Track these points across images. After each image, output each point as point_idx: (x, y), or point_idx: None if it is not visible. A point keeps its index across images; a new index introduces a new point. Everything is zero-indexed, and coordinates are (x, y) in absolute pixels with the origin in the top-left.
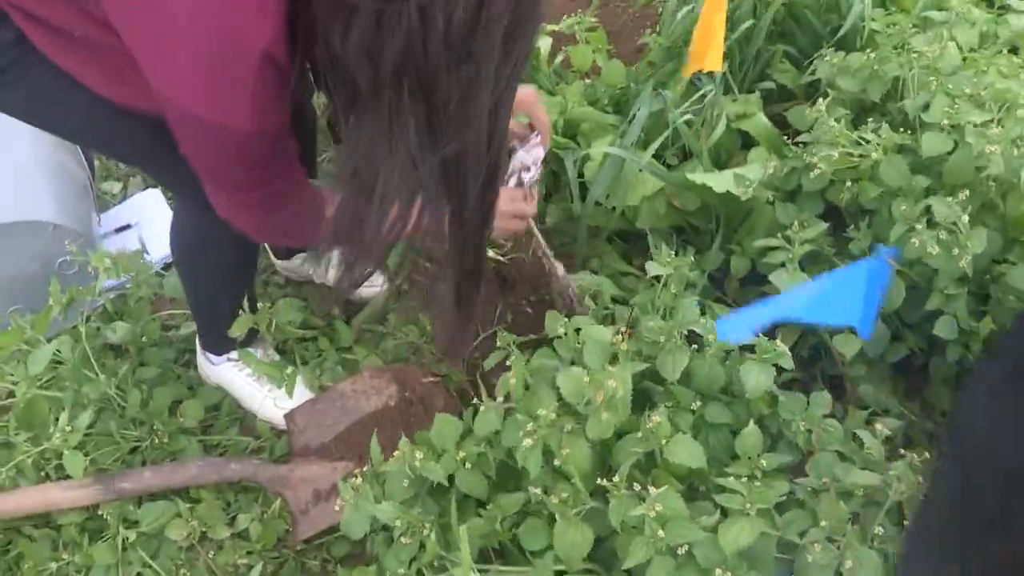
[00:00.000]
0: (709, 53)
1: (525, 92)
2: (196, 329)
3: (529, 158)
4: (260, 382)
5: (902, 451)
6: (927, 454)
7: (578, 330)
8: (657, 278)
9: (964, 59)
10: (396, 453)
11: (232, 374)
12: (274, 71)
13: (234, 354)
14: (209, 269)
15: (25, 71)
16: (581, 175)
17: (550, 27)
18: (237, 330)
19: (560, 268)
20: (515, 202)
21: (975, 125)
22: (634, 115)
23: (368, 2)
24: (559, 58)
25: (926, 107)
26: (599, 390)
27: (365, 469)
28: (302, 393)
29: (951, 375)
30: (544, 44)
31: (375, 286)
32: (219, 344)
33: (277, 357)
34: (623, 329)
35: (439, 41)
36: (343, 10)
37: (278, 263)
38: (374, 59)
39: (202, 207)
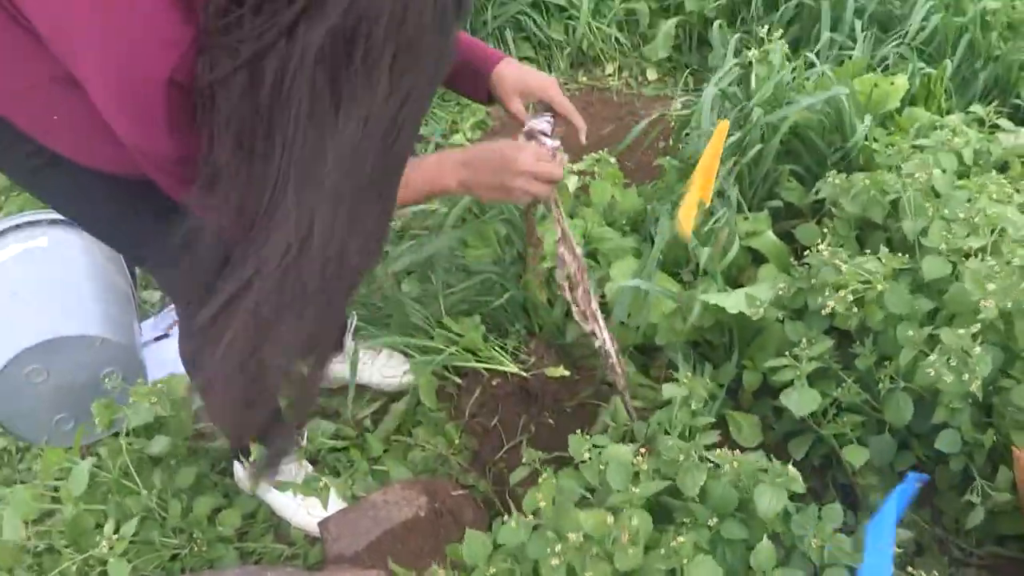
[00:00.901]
0: (705, 184)
1: (539, 79)
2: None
3: (540, 124)
4: (291, 494)
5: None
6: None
7: (600, 449)
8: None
9: (959, 182)
10: (427, 572)
11: (268, 490)
12: (183, 96)
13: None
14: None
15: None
16: (603, 294)
17: (577, 166)
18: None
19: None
20: (541, 162)
21: (972, 253)
22: (652, 239)
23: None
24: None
25: (924, 231)
26: (624, 529)
27: None
28: (334, 502)
29: (958, 483)
30: (571, 182)
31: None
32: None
33: (310, 467)
34: (642, 448)
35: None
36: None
37: None
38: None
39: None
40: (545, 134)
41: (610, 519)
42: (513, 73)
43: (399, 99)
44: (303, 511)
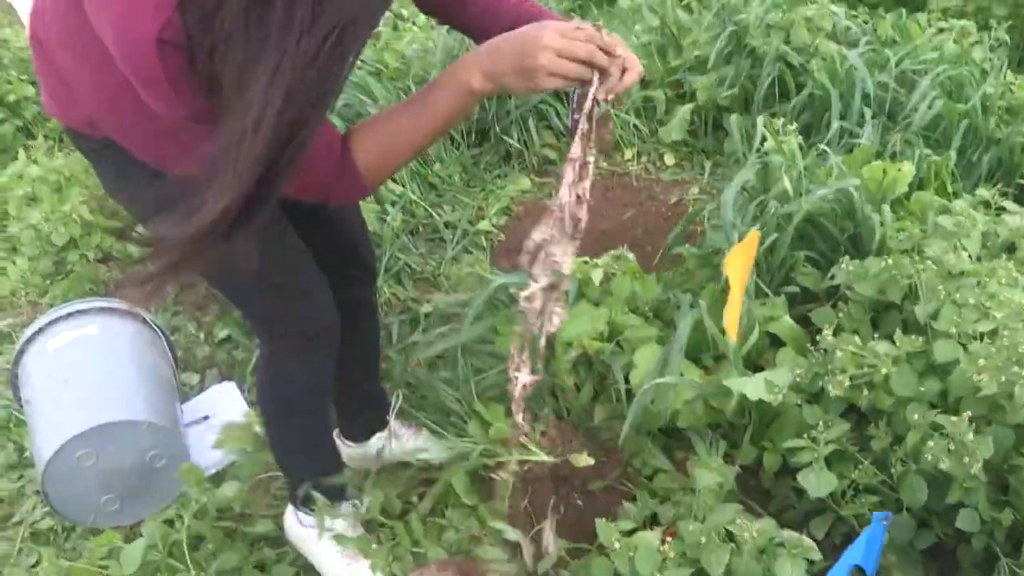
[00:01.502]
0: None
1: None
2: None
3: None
4: (341, 554)
5: None
6: None
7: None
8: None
9: (968, 267)
10: None
11: (318, 541)
12: (176, 53)
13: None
14: (285, 407)
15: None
16: (627, 379)
17: (596, 260)
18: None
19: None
20: (567, 38)
21: (980, 337)
22: (675, 325)
23: None
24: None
25: (935, 314)
26: None
27: None
28: None
29: (980, 560)
30: (596, 275)
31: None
32: (307, 500)
33: (361, 529)
34: (667, 531)
35: None
36: None
37: (347, 451)
38: None
39: (267, 337)
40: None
41: None
42: (564, 24)
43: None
44: (347, 574)
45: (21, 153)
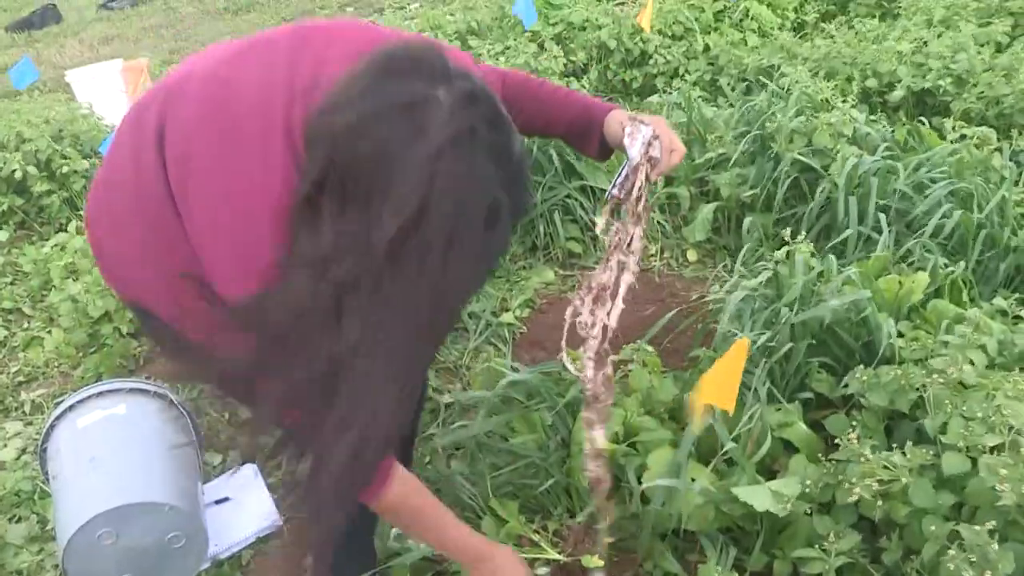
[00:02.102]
0: (725, 393)
1: (648, 116)
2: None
3: (646, 131)
4: None
5: None
6: None
7: None
8: None
9: (981, 380)
10: None
11: None
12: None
13: None
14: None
15: None
16: (640, 480)
17: (615, 357)
18: None
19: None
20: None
21: (988, 450)
22: (685, 431)
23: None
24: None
25: (943, 427)
26: None
27: None
28: None
29: None
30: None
31: None
32: None
33: None
34: None
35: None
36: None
37: None
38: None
39: None
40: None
41: None
42: (623, 112)
43: (450, 281)
44: None
45: (72, 226)
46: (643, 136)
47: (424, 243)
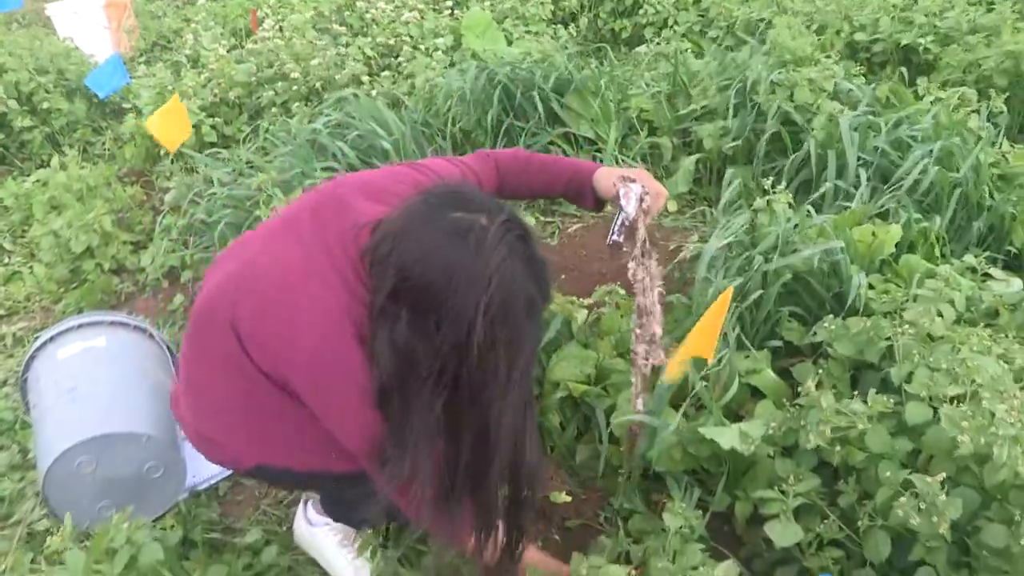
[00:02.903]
0: (706, 342)
1: (632, 170)
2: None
3: (638, 188)
4: (346, 552)
5: None
6: None
7: (597, 568)
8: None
9: (948, 333)
10: None
11: (326, 537)
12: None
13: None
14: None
15: None
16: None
17: (587, 300)
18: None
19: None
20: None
21: (950, 400)
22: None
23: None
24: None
25: (909, 377)
26: None
27: None
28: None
29: None
30: (580, 315)
31: None
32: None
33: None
34: (633, 569)
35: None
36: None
37: None
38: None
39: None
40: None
41: None
42: (609, 169)
43: (517, 370)
44: (352, 570)
45: (54, 160)
46: (635, 193)
47: (494, 336)
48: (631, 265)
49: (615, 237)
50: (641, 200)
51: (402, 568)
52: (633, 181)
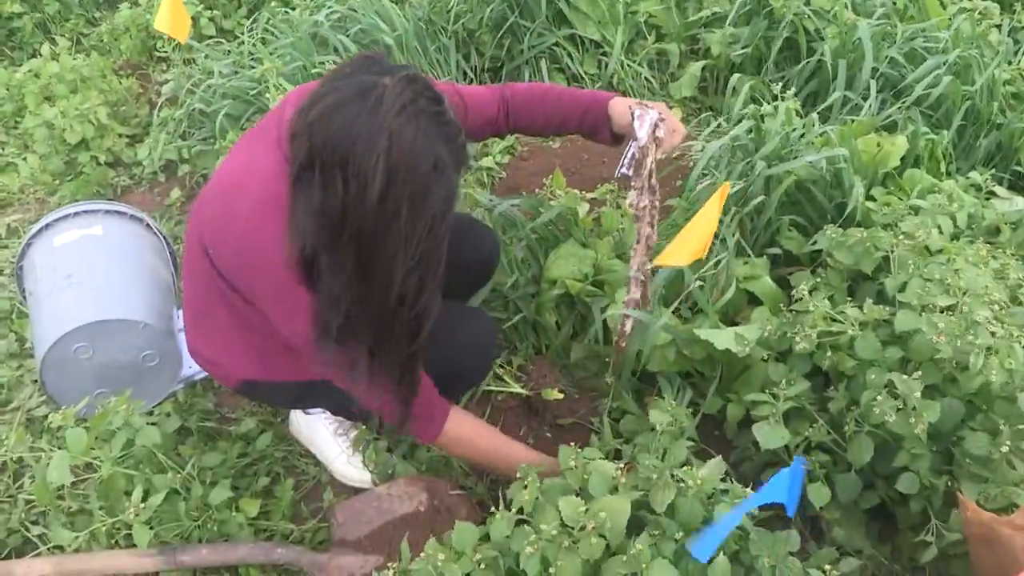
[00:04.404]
0: (701, 241)
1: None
2: None
3: (653, 114)
4: (340, 440)
5: None
6: None
7: (587, 461)
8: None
9: (945, 245)
10: (422, 554)
11: (321, 426)
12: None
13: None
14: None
15: None
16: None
17: (588, 194)
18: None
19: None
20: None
21: (939, 310)
22: (656, 272)
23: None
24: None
25: (903, 287)
26: (592, 519)
27: (394, 565)
28: (362, 471)
29: (916, 524)
30: (582, 209)
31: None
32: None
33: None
34: (623, 464)
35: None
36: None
37: None
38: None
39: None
40: (648, 115)
41: (582, 508)
42: (623, 99)
43: (423, 225)
44: (344, 457)
45: (45, 48)
46: (650, 119)
47: (395, 188)
48: (631, 195)
49: (624, 170)
50: (655, 127)
51: (394, 458)
52: (652, 108)
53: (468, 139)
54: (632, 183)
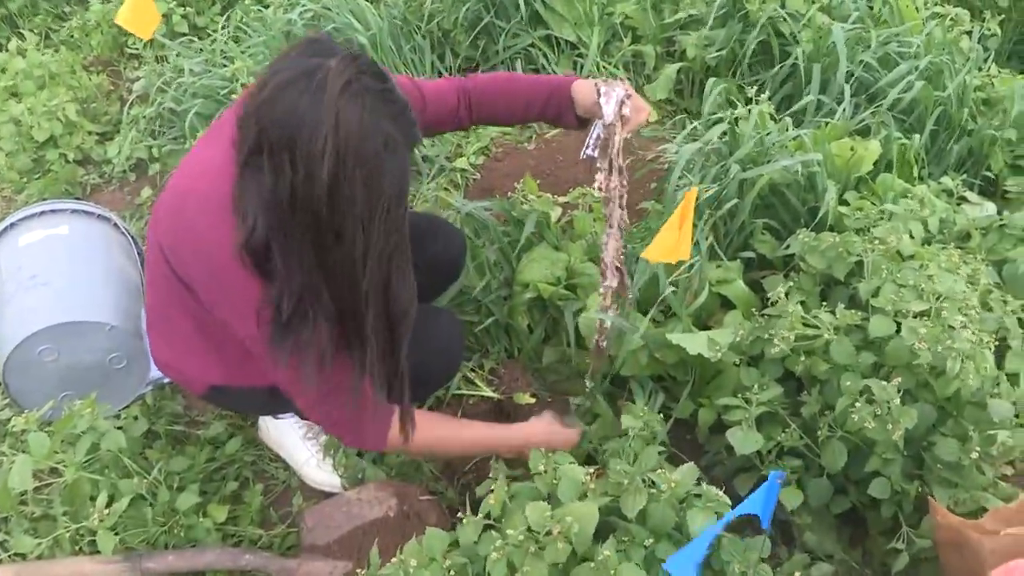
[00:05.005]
0: (680, 244)
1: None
2: None
3: (619, 90)
4: (309, 444)
5: None
6: None
7: (557, 465)
8: None
9: (918, 251)
10: (393, 560)
11: (290, 430)
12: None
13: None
14: None
15: None
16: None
17: (561, 198)
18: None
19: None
20: (565, 435)
21: (913, 315)
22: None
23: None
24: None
25: (876, 292)
26: (558, 523)
27: (363, 571)
28: (331, 475)
29: (887, 528)
30: (555, 213)
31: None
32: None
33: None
34: (593, 470)
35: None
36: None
37: None
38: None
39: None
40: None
41: (548, 513)
42: (584, 80)
43: (380, 206)
44: (313, 462)
45: (12, 44)
46: (616, 96)
47: (345, 170)
48: (599, 177)
49: (590, 151)
50: (621, 104)
51: (364, 463)
52: (619, 85)
53: (429, 132)
54: (598, 164)
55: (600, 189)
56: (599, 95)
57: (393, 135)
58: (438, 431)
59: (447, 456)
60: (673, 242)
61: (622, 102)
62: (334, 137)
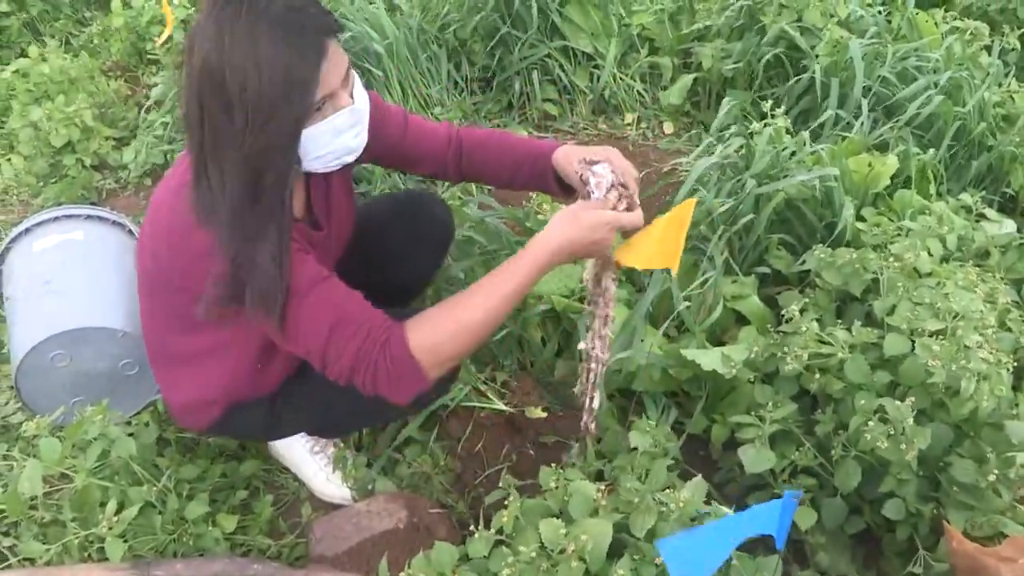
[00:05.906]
0: (668, 251)
1: (600, 148)
2: None
3: (607, 175)
4: (317, 458)
5: None
6: None
7: (568, 482)
8: None
9: (935, 268)
10: (401, 573)
11: (297, 445)
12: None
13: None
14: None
15: None
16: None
17: None
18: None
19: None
20: (593, 212)
21: (929, 334)
22: (645, 290)
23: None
24: None
25: (892, 310)
26: (572, 542)
27: None
28: (341, 487)
29: (903, 550)
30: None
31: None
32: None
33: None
34: (604, 486)
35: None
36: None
37: None
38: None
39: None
40: (604, 178)
41: (563, 530)
42: (574, 148)
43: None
44: (322, 476)
45: (32, 49)
46: (607, 182)
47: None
48: (586, 278)
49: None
50: (611, 189)
51: (374, 474)
52: (597, 163)
53: (408, 165)
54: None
55: (591, 285)
56: (591, 185)
57: (293, 63)
58: (452, 313)
59: (484, 331)
60: (655, 249)
61: (614, 187)
62: (215, 52)
